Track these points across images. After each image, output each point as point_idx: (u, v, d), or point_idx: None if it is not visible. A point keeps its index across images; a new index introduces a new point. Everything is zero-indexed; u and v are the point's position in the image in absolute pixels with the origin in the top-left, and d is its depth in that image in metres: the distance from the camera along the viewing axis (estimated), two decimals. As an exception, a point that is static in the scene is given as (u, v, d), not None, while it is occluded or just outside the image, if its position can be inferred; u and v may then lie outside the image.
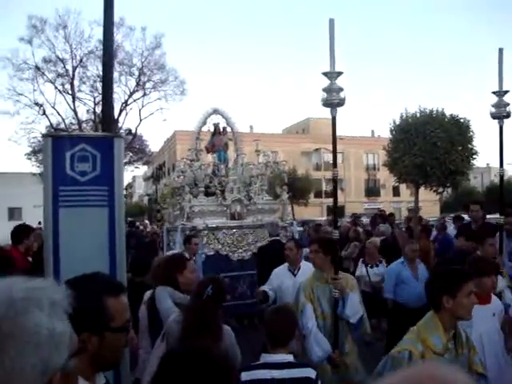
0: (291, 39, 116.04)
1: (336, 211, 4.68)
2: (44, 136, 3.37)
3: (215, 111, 10.08)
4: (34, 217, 25.96)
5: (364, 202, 50.27)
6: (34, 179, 33.08)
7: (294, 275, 5.25)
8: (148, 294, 4.16)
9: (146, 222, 23.99)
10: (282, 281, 5.27)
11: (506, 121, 5.14)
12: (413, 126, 20.54)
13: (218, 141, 10.02)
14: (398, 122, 22.63)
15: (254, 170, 9.83)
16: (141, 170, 53.24)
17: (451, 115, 20.83)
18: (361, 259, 8.24)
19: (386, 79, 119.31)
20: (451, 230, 13.09)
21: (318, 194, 47.65)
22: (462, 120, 20.61)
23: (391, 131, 22.96)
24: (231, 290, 7.32)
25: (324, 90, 3.98)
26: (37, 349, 0.86)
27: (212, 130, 10.20)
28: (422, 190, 22.69)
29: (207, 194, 9.33)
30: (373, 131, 57.87)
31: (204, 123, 10.04)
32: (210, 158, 10.34)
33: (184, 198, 9.06)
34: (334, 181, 4.37)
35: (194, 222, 8.77)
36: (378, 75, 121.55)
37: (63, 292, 0.99)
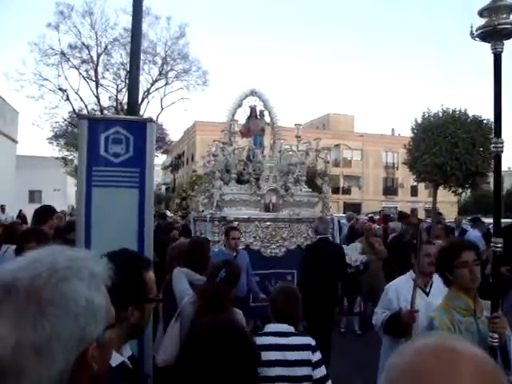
0: (312, 30, 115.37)
1: (499, 213, 2.79)
2: (80, 118, 3.50)
3: (252, 92, 9.13)
4: (53, 200, 26.44)
5: (382, 200, 49.92)
6: (56, 163, 33.60)
7: (427, 294, 3.77)
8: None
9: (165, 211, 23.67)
10: (407, 301, 3.65)
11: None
12: (434, 126, 20.42)
13: (254, 125, 9.12)
14: (419, 121, 22.48)
15: (293, 158, 8.73)
16: (159, 158, 53.69)
17: (473, 116, 20.61)
18: None
19: (408, 77, 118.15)
20: (474, 232, 12.62)
21: (335, 191, 47.43)
22: (484, 121, 20.36)
23: (412, 130, 22.78)
24: (261, 290, 6.54)
25: (482, 11, 2.45)
26: (75, 317, 0.90)
27: (248, 113, 9.23)
28: (440, 191, 22.51)
29: (240, 181, 8.38)
30: (393, 129, 57.35)
31: (239, 105, 9.13)
32: (245, 142, 9.29)
33: (214, 185, 8.11)
34: (498, 157, 2.68)
35: (224, 211, 7.94)
36: (401, 73, 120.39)
37: (104, 265, 1.03)
